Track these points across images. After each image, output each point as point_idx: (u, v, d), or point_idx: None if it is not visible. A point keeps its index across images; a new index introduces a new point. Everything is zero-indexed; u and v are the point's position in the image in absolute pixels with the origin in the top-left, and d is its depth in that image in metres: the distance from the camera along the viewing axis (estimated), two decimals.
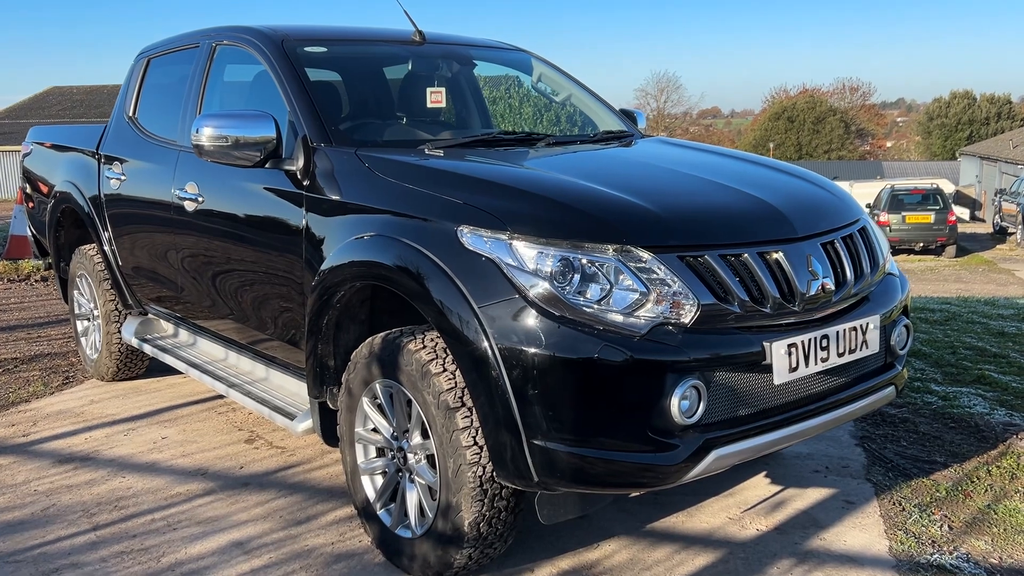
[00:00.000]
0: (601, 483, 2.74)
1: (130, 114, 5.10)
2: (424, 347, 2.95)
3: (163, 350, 4.89)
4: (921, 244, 25.64)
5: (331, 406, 3.49)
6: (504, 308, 2.69)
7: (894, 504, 3.73)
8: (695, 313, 2.71)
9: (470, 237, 2.81)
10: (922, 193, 26.16)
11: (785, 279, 2.90)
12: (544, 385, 2.63)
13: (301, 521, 3.64)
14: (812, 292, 2.92)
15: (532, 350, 2.63)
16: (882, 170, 61.85)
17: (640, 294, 2.68)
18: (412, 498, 3.15)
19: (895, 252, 26.31)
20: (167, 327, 5.14)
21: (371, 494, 3.31)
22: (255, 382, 4.21)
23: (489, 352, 2.68)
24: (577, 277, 2.68)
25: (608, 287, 2.68)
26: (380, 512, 3.28)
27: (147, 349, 5.01)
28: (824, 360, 2.95)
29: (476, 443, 2.82)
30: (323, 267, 3.28)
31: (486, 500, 2.88)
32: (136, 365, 5.60)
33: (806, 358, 2.89)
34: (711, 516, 3.65)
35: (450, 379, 2.86)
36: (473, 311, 2.72)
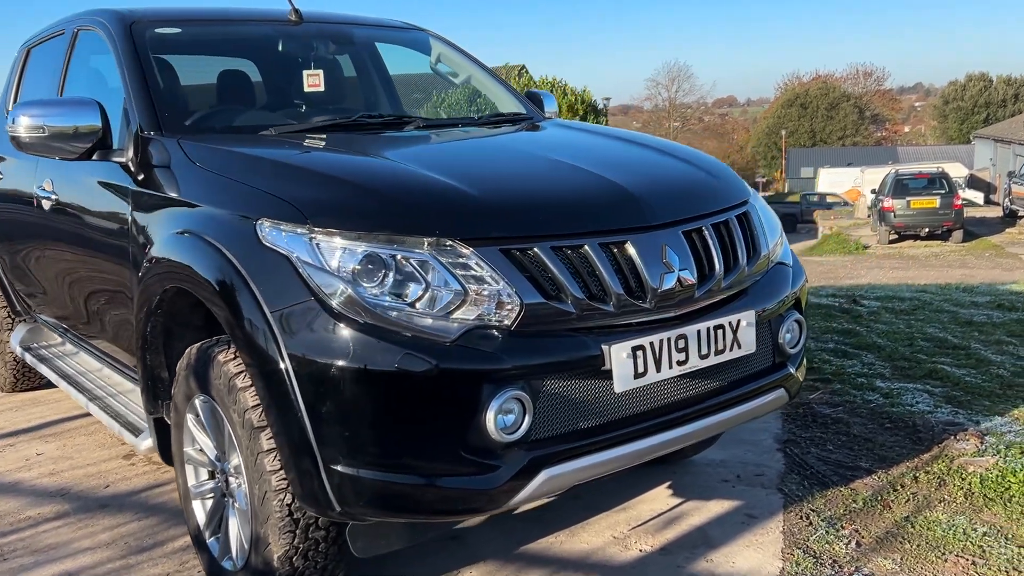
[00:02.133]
0: (413, 511, 2.41)
1: (9, 108, 4.79)
2: (233, 359, 2.62)
3: (41, 360, 4.59)
4: (927, 229, 25.07)
5: (168, 422, 3.17)
6: (297, 313, 2.36)
7: (801, 518, 3.37)
8: (518, 314, 2.36)
9: (269, 231, 2.47)
10: (927, 178, 25.57)
11: (635, 273, 2.54)
12: (340, 402, 2.30)
13: (146, 548, 3.33)
14: (666, 287, 2.57)
15: (325, 361, 2.30)
16: (897, 155, 61.17)
17: (453, 294, 2.34)
18: (233, 526, 2.82)
19: (900, 238, 25.80)
20: (55, 336, 4.84)
21: (201, 520, 2.99)
22: (120, 395, 3.90)
23: (281, 364, 2.35)
24: (382, 275, 2.34)
25: (416, 286, 2.34)
26: (209, 541, 2.96)
27: (28, 358, 4.71)
28: (682, 363, 2.59)
29: (282, 468, 2.48)
30: (141, 269, 2.96)
31: (297, 531, 2.55)
32: (35, 375, 5.30)
33: (657, 362, 2.53)
34: (595, 535, 3.30)
35: (256, 395, 2.52)
36: (264, 317, 2.39)
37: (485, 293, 2.35)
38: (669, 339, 2.55)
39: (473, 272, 2.36)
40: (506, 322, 2.36)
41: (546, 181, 2.78)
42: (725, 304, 2.77)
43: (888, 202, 25.02)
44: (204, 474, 3.00)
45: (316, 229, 2.40)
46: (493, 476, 2.33)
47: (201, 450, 2.95)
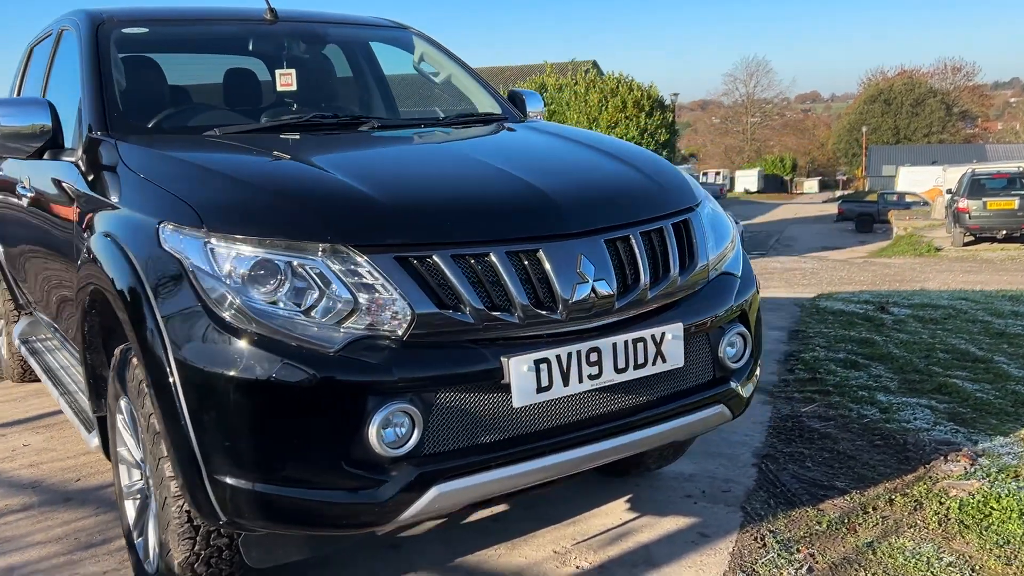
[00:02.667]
0: (296, 524, 2.35)
1: None
2: None
3: (33, 352, 4.68)
4: (1004, 232, 23.98)
5: None
6: (185, 319, 2.33)
7: (756, 539, 3.21)
8: (409, 325, 2.29)
9: (169, 235, 2.45)
10: (1006, 177, 24.48)
11: (545, 283, 2.44)
12: (220, 411, 2.26)
13: (94, 544, 3.35)
14: (578, 298, 2.46)
15: (207, 369, 2.27)
16: (985, 154, 58.99)
17: (343, 303, 2.28)
18: (151, 529, 2.81)
19: (976, 240, 24.80)
20: (49, 330, 4.94)
21: (131, 520, 3.00)
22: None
23: (168, 370, 2.33)
24: (272, 282, 2.29)
25: (305, 294, 2.29)
26: (137, 541, 2.97)
27: (23, 351, 4.82)
28: (594, 377, 2.48)
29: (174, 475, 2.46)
30: (77, 269, 2.99)
31: (198, 538, 2.53)
32: None
33: (564, 376, 2.43)
34: (536, 549, 3.20)
35: None
36: (156, 322, 2.37)
37: (376, 302, 2.29)
38: (579, 352, 2.45)
39: (364, 280, 2.29)
40: (398, 332, 2.29)
41: (462, 186, 2.70)
42: (652, 316, 2.65)
43: (963, 203, 24.05)
44: (136, 474, 3.00)
45: (211, 233, 2.36)
46: (378, 491, 2.27)
47: (129, 451, 2.95)
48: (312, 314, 2.28)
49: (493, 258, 2.40)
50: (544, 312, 2.43)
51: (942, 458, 3.85)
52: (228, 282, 2.30)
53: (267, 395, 2.23)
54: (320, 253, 2.31)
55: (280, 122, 3.43)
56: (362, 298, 2.28)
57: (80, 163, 3.20)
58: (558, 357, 2.41)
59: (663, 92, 33.76)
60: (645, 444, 2.71)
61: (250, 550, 2.51)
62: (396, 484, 2.27)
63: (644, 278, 2.61)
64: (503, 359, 2.34)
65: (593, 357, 2.48)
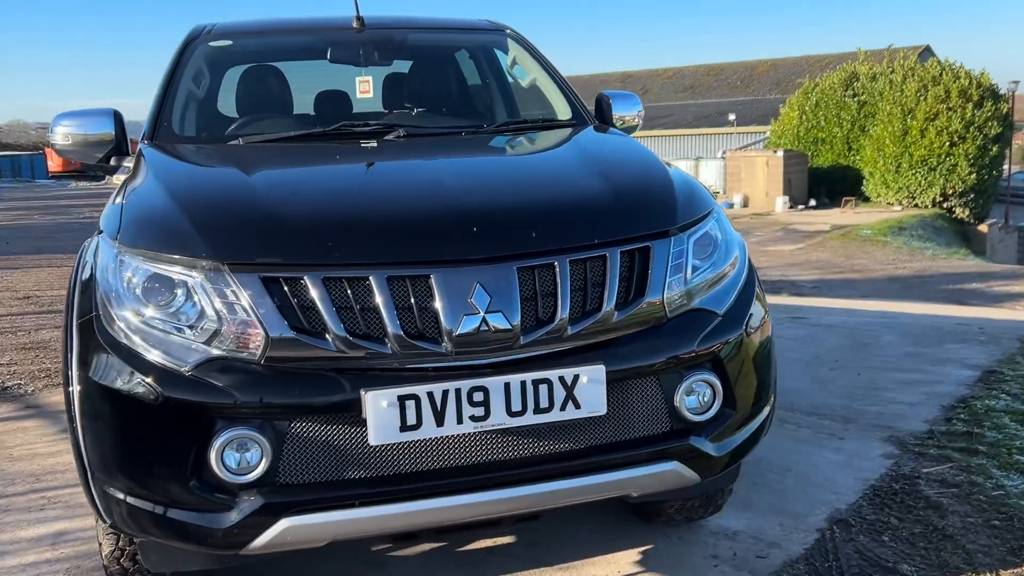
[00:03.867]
0: (163, 536, 2.37)
1: None
2: None
3: None
4: None
5: None
6: (84, 326, 2.43)
7: None
8: (262, 348, 2.22)
9: (100, 245, 2.58)
10: None
11: (431, 312, 2.26)
12: (95, 420, 2.36)
13: None
14: (464, 330, 2.24)
15: (89, 376, 2.36)
16: None
17: (209, 321, 2.27)
18: None
19: None
20: None
21: None
22: None
23: (68, 374, 2.45)
24: (159, 298, 2.33)
25: (176, 311, 2.31)
26: None
27: None
28: (479, 419, 2.25)
29: None
30: None
31: (121, 535, 2.64)
32: None
33: (438, 415, 2.22)
34: None
35: None
36: (70, 327, 2.50)
37: (239, 323, 2.24)
38: (458, 390, 2.23)
39: (229, 300, 2.26)
40: (255, 356, 2.23)
41: (369, 206, 2.56)
42: (573, 354, 2.34)
43: None
44: None
45: (122, 245, 2.44)
46: (222, 516, 2.23)
47: None
48: (181, 332, 2.28)
49: (372, 283, 2.25)
50: (424, 344, 2.24)
51: None
52: (119, 294, 2.36)
53: (123, 407, 2.27)
54: (199, 270, 2.30)
55: (305, 132, 3.45)
56: (226, 318, 2.25)
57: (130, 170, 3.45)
58: (430, 394, 2.21)
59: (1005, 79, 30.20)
60: (561, 498, 2.42)
61: (148, 555, 2.57)
62: (241, 511, 2.22)
63: (562, 312, 2.32)
64: (362, 392, 2.19)
65: (478, 397, 2.24)
